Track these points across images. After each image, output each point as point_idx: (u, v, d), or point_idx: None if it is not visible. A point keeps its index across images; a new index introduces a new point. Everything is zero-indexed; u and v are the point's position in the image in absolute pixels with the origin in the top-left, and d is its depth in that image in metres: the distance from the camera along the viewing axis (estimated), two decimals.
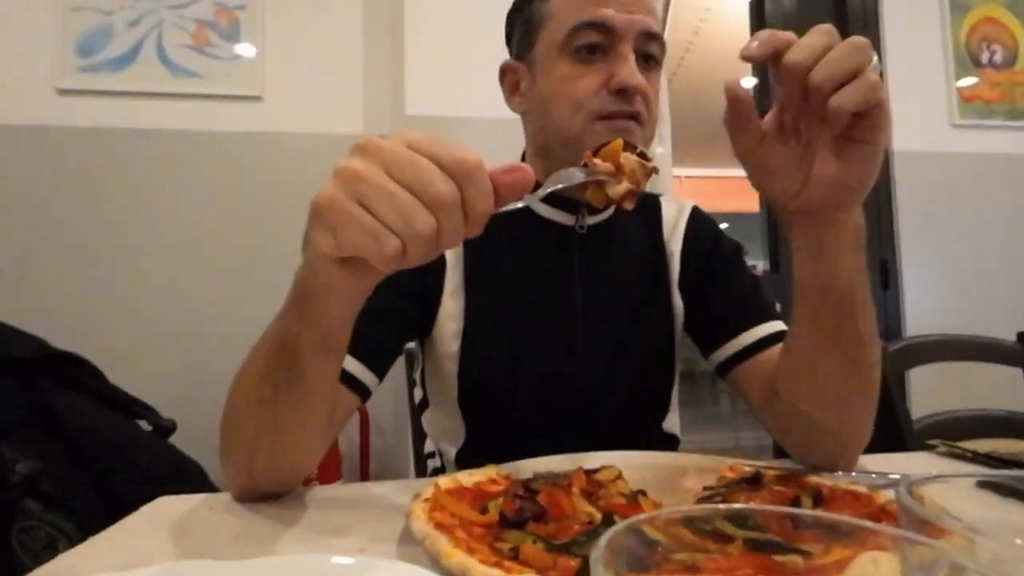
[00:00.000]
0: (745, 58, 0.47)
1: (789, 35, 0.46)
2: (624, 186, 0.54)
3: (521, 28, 0.75)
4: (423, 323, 0.75)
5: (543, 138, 0.74)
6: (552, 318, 0.75)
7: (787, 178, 0.51)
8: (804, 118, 0.49)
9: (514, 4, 0.77)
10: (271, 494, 0.56)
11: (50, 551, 1.10)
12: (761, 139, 0.50)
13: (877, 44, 2.30)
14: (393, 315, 0.69)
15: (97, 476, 1.23)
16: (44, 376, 1.31)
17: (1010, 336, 1.18)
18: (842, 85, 0.44)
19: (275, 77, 1.95)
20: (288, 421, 0.51)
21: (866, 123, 0.46)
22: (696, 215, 0.84)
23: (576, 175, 0.53)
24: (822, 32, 0.45)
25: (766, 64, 0.47)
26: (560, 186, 0.51)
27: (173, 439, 1.49)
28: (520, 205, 0.43)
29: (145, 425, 1.48)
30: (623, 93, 0.65)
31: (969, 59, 2.32)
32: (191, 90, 1.88)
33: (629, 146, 0.56)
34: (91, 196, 1.82)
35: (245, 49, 1.92)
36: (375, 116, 2.00)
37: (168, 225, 1.86)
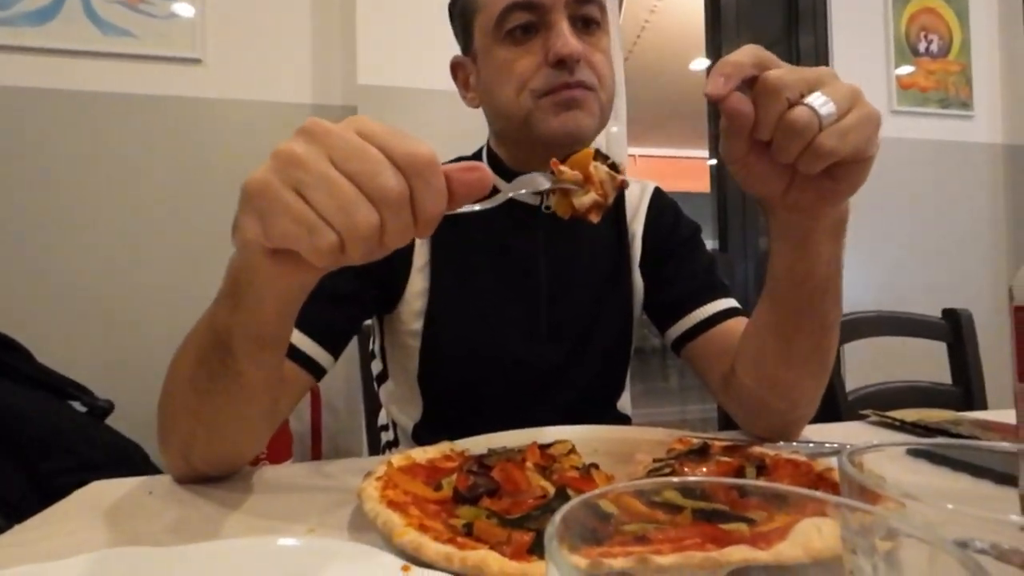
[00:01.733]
0: (709, 95, 0.44)
1: (750, 65, 0.44)
2: (591, 197, 0.52)
3: (459, 23, 0.74)
4: (385, 302, 0.74)
5: (498, 125, 0.74)
6: (517, 299, 0.75)
7: (773, 182, 0.49)
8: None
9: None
10: (213, 478, 0.54)
11: None
12: (751, 146, 0.47)
13: (825, 33, 2.37)
14: (351, 296, 0.68)
15: (28, 464, 1.16)
16: None
17: (936, 312, 1.26)
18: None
19: (216, 39, 1.83)
20: (225, 411, 0.48)
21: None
22: (657, 196, 0.85)
23: (541, 181, 0.51)
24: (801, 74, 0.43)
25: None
26: (523, 191, 0.50)
27: (111, 421, 1.42)
28: (477, 208, 0.41)
29: (79, 407, 1.40)
30: (562, 64, 0.64)
31: (908, 48, 2.41)
32: (122, 50, 1.75)
33: (600, 156, 0.55)
34: (11, 163, 1.68)
35: (183, 8, 1.80)
36: (325, 85, 1.91)
37: (98, 196, 1.74)
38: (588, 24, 0.67)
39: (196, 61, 1.82)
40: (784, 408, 0.62)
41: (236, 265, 0.42)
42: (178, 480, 0.54)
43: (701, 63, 4.86)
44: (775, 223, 0.54)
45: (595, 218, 0.54)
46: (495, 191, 0.42)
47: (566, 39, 0.63)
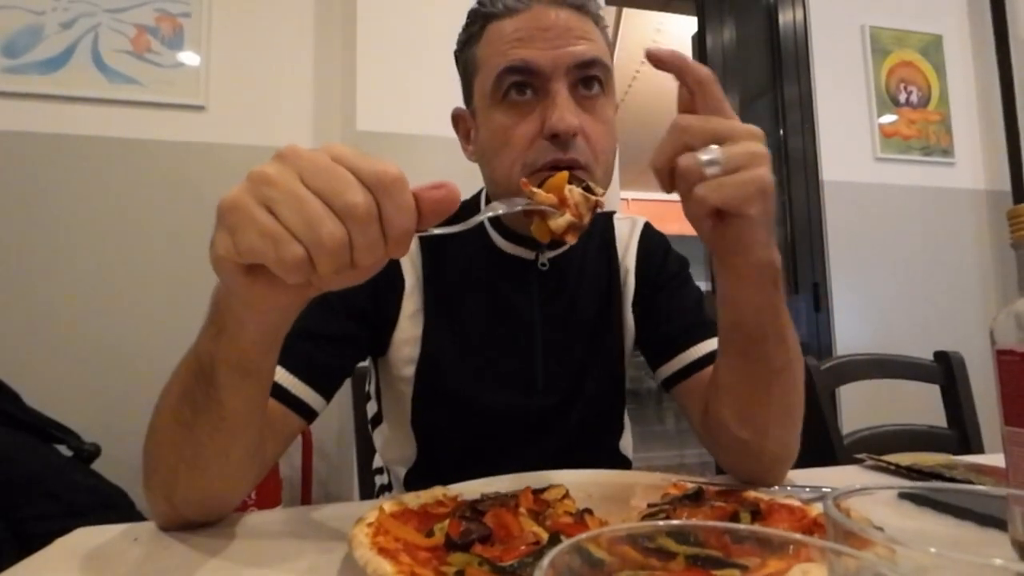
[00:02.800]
0: (650, 55, 0.49)
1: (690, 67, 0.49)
2: (566, 219, 0.53)
3: (462, 75, 0.73)
4: (375, 345, 0.74)
5: (491, 189, 0.72)
6: (512, 352, 0.74)
7: (697, 221, 0.51)
8: None
9: (456, 49, 0.73)
10: (198, 524, 0.52)
11: None
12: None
13: (808, 83, 2.46)
14: (342, 337, 0.67)
15: (10, 508, 1.13)
16: None
17: (927, 355, 1.26)
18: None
19: (220, 87, 1.89)
20: (207, 448, 0.48)
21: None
22: (647, 231, 0.85)
23: (517, 204, 0.52)
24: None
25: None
26: (500, 212, 0.50)
27: (96, 465, 1.39)
28: (453, 231, 0.42)
29: (65, 451, 1.37)
30: (557, 139, 0.61)
31: (889, 98, 2.51)
32: (128, 97, 1.80)
33: (575, 178, 0.56)
34: (14, 204, 1.70)
35: (188, 57, 1.86)
36: (324, 130, 1.96)
37: (98, 238, 1.75)
38: (590, 87, 0.64)
39: (200, 108, 1.86)
40: (757, 446, 0.61)
41: (218, 291, 0.43)
42: (162, 527, 0.52)
43: None
44: (716, 270, 0.56)
45: (572, 239, 0.55)
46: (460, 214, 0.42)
47: (562, 113, 0.60)
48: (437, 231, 0.40)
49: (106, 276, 1.75)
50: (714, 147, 0.46)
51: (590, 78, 0.64)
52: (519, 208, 0.52)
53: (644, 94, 5.20)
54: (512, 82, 0.63)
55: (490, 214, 0.49)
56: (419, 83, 1.85)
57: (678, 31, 4.13)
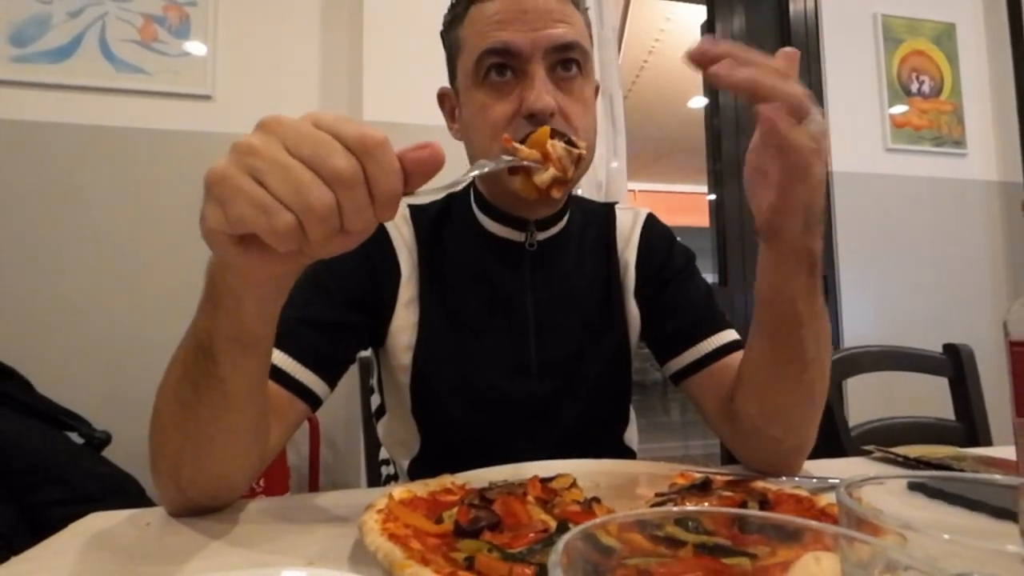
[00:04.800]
0: (690, 58, 0.47)
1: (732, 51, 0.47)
2: (550, 173, 0.53)
3: (447, 55, 0.75)
4: (375, 334, 0.74)
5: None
6: (505, 335, 0.74)
7: (756, 200, 0.53)
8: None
9: (442, 28, 0.75)
10: (206, 508, 0.53)
11: None
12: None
13: (819, 73, 2.43)
14: (343, 325, 0.68)
15: (22, 494, 1.15)
16: None
17: (936, 347, 1.26)
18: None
19: (227, 76, 1.89)
20: (210, 427, 0.48)
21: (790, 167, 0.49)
22: (650, 223, 0.84)
23: (502, 160, 0.51)
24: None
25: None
26: (485, 170, 0.49)
27: (108, 452, 1.41)
28: (442, 194, 0.41)
29: (76, 438, 1.39)
30: (535, 118, 0.62)
31: (901, 88, 2.47)
32: (136, 86, 1.80)
33: (557, 133, 0.55)
34: (23, 194, 1.71)
35: (195, 47, 1.86)
36: None
37: (106, 226, 1.76)
38: (568, 69, 0.66)
39: (207, 97, 1.86)
40: (779, 435, 0.62)
41: (211, 267, 0.43)
42: (171, 512, 0.53)
43: (699, 101, 4.97)
44: (759, 255, 0.57)
45: (557, 193, 0.54)
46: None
47: (540, 92, 0.62)
48: (425, 192, 0.40)
49: (114, 265, 1.76)
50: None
51: (568, 60, 0.66)
52: (504, 164, 0.52)
53: (651, 85, 5.16)
54: (492, 64, 0.65)
55: (476, 172, 0.48)
56: (427, 72, 1.83)
57: (687, 20, 4.08)
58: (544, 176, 0.53)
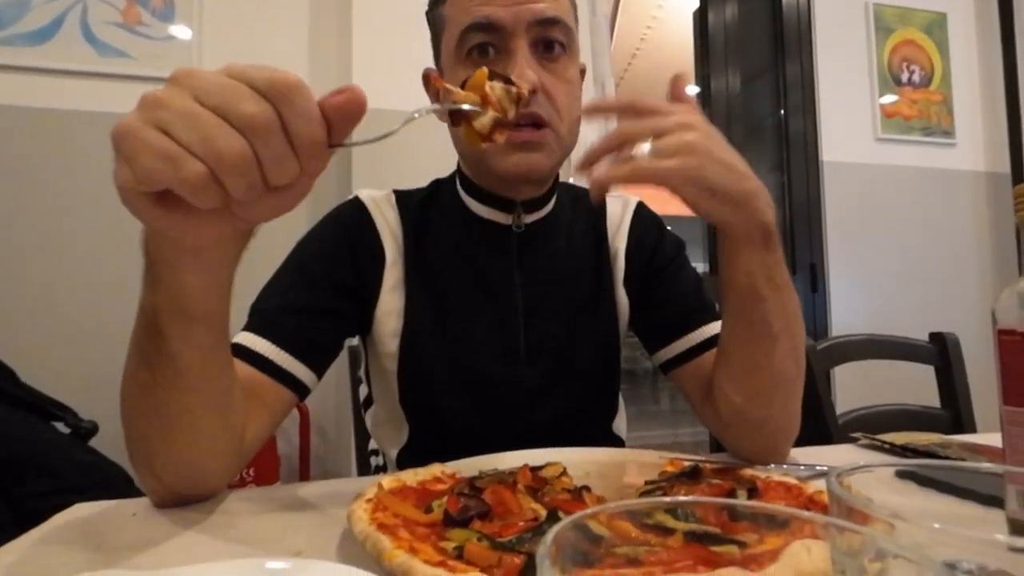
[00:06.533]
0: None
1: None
2: (490, 116, 0.51)
3: (432, 34, 0.74)
4: (360, 321, 0.74)
5: (456, 147, 0.73)
6: (493, 319, 0.74)
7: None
8: None
9: (427, 8, 0.74)
10: (188, 498, 0.52)
11: None
12: None
13: (811, 62, 2.43)
14: (327, 311, 0.68)
15: (9, 486, 1.13)
16: None
17: (923, 336, 1.27)
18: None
19: (212, 61, 1.85)
20: (170, 408, 0.47)
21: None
22: (640, 212, 0.84)
23: (438, 106, 0.50)
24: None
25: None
26: (419, 115, 0.45)
27: (95, 442, 1.39)
28: (375, 140, 0.38)
29: (63, 428, 1.38)
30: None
31: (891, 78, 2.48)
32: (119, 71, 1.76)
33: (497, 75, 0.53)
34: (2, 180, 1.68)
35: (180, 30, 1.82)
36: None
37: (89, 213, 1.73)
38: (551, 48, 0.66)
39: None
40: (760, 417, 0.62)
41: (146, 239, 0.42)
42: (156, 503, 0.52)
43: (691, 89, 4.96)
44: (717, 237, 0.58)
45: (500, 138, 0.52)
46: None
47: (521, 69, 0.62)
48: (358, 144, 0.38)
49: (98, 253, 1.73)
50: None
51: (551, 40, 0.66)
52: (441, 110, 0.50)
53: (644, 71, 5.14)
54: (475, 43, 0.65)
55: (405, 122, 0.43)
56: (417, 60, 1.81)
57: (679, 7, 4.06)
58: (484, 120, 0.51)
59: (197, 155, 0.33)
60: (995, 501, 0.26)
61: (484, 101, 0.51)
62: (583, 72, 0.73)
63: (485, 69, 0.52)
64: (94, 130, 1.74)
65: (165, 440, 0.49)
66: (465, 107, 0.50)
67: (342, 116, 0.36)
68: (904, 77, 2.49)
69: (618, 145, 0.51)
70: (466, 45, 0.65)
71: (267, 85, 0.34)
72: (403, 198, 0.77)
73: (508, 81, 0.53)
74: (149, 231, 0.41)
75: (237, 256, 0.44)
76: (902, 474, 0.27)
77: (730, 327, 0.61)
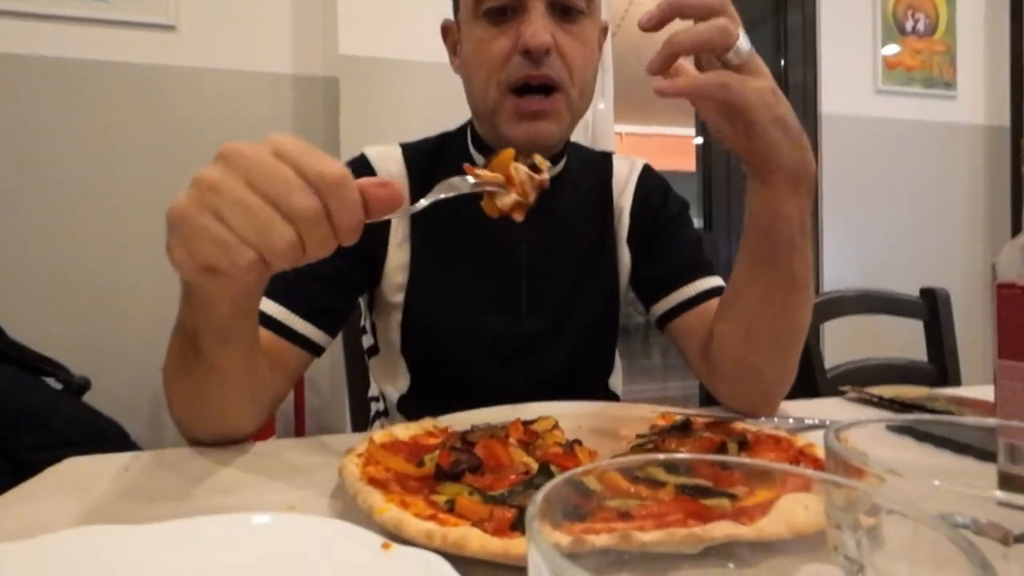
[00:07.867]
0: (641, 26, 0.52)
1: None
2: (512, 198, 0.54)
3: None
4: (370, 279, 0.76)
5: (472, 105, 0.73)
6: (497, 275, 0.75)
7: (734, 150, 0.56)
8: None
9: None
10: (220, 443, 0.57)
11: None
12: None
13: (813, 8, 2.35)
14: (337, 275, 0.70)
15: (3, 439, 1.14)
16: None
17: (914, 291, 1.27)
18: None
19: (191, 5, 1.76)
20: (210, 395, 0.52)
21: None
22: (647, 173, 0.85)
23: (463, 185, 0.52)
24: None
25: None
26: (448, 195, 0.51)
27: (89, 398, 1.40)
28: (398, 215, 0.43)
29: (54, 384, 1.38)
30: (530, 54, 0.63)
31: (895, 26, 2.41)
32: (92, 14, 1.68)
33: (521, 157, 0.56)
34: None
35: None
36: (305, 55, 1.85)
37: (72, 167, 1.68)
38: (569, 11, 0.65)
39: (170, 28, 1.75)
40: (761, 365, 0.63)
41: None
42: (190, 443, 0.57)
43: None
44: (748, 181, 0.58)
45: (519, 216, 0.56)
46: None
47: (535, 29, 0.62)
48: (385, 216, 0.41)
49: (80, 207, 1.69)
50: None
51: (569, 6, 0.65)
52: (465, 191, 0.53)
53: (638, 28, 4.97)
54: (493, 4, 0.64)
55: (426, 202, 0.49)
56: (404, 5, 1.74)
57: None
58: (506, 200, 0.54)
59: (250, 243, 0.36)
60: (989, 455, 0.26)
61: (508, 181, 0.54)
62: (605, 30, 0.73)
63: (511, 151, 0.55)
64: (69, 77, 1.68)
65: (203, 411, 0.55)
66: (493, 189, 0.54)
67: (380, 207, 0.39)
68: (908, 25, 2.42)
69: (694, 50, 0.53)
70: (484, 4, 0.65)
71: (317, 178, 0.36)
72: (412, 151, 0.78)
73: (533, 167, 0.56)
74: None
75: (263, 286, 0.47)
76: (897, 428, 0.27)
77: (751, 275, 0.61)
